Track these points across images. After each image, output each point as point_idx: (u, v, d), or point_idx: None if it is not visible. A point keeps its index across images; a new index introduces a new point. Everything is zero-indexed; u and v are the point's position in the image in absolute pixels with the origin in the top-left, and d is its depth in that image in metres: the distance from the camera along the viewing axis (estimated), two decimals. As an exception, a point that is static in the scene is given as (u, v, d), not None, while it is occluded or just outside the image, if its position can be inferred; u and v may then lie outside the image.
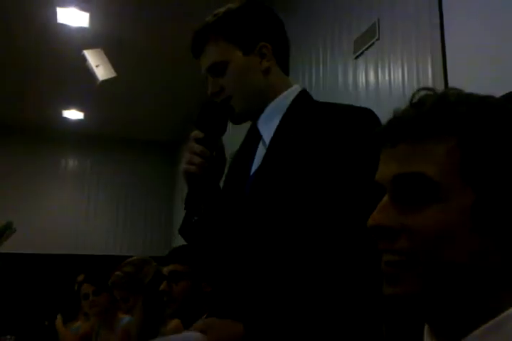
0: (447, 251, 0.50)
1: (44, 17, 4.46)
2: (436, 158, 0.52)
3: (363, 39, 2.95)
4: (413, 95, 0.57)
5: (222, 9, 1.12)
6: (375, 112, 1.03)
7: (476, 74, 2.07)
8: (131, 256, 2.44)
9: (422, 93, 0.56)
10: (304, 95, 1.12)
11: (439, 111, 0.53)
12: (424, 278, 0.51)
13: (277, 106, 1.09)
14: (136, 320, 2.22)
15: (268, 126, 1.08)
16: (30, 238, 6.12)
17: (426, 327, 0.56)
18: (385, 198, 0.55)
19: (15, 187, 6.76)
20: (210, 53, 1.10)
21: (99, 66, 4.53)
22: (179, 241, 1.25)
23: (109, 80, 4.61)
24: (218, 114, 1.08)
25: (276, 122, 1.07)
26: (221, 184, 1.15)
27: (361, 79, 2.97)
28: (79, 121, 6.82)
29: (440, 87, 0.57)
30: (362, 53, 2.96)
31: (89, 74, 4.60)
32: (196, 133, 1.06)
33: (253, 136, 1.13)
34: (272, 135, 1.06)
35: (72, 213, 7.07)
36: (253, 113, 1.11)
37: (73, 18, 4.49)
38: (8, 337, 3.60)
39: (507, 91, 1.81)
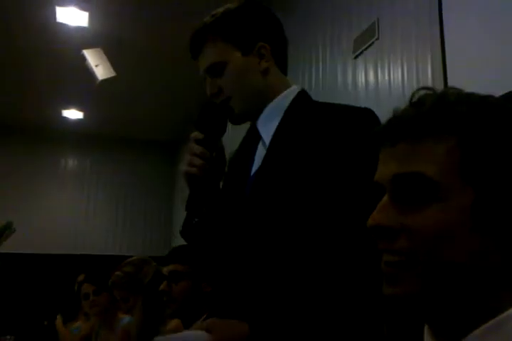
0: (447, 251, 0.50)
1: (43, 16, 4.45)
2: (436, 158, 0.52)
3: (362, 38, 2.95)
4: (413, 94, 0.57)
5: (220, 9, 1.12)
6: (375, 112, 1.02)
7: (475, 73, 2.07)
8: (131, 256, 2.44)
9: (422, 92, 0.56)
10: (303, 95, 1.12)
11: (439, 111, 0.53)
12: (424, 278, 0.51)
13: (277, 107, 1.09)
14: (136, 320, 2.22)
15: (268, 127, 1.08)
16: (30, 238, 6.11)
17: (426, 327, 0.56)
18: (385, 198, 0.55)
19: (14, 187, 6.76)
20: (208, 54, 1.10)
21: (98, 65, 4.52)
22: (179, 241, 1.25)
23: (108, 80, 4.62)
24: (218, 115, 1.08)
25: (275, 122, 1.07)
26: (220, 184, 1.15)
27: (361, 78, 2.96)
28: (78, 120, 6.82)
29: (440, 87, 0.57)
30: (361, 53, 2.96)
31: (89, 73, 4.60)
32: (196, 134, 1.06)
33: (252, 137, 1.13)
34: (271, 135, 1.06)
35: (71, 213, 7.07)
36: (252, 113, 1.11)
37: (72, 17, 4.48)
38: (8, 337, 3.59)
39: (506, 90, 1.81)
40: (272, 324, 0.91)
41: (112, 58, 4.57)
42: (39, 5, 4.33)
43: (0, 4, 4.32)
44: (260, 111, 1.10)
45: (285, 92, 1.11)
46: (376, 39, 2.82)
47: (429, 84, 2.34)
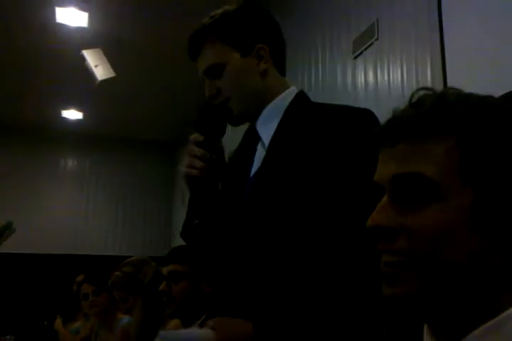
0: (446, 251, 0.50)
1: (43, 17, 4.45)
2: (435, 158, 0.51)
3: (361, 39, 2.95)
4: (412, 95, 0.57)
5: (218, 11, 1.12)
6: (374, 112, 1.03)
7: (475, 73, 2.07)
8: (131, 256, 2.44)
9: (421, 93, 0.56)
10: (301, 96, 1.12)
11: (439, 111, 0.53)
12: (424, 278, 0.51)
13: (275, 108, 1.09)
14: (135, 321, 2.22)
15: (267, 128, 1.08)
16: (30, 238, 6.11)
17: (426, 327, 0.56)
18: (384, 198, 0.55)
19: (14, 187, 6.76)
20: (207, 55, 1.10)
21: (98, 66, 4.52)
22: (179, 241, 1.25)
23: (108, 80, 4.61)
24: (217, 117, 1.08)
25: (275, 124, 1.07)
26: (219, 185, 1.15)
27: (360, 79, 2.97)
28: (78, 121, 6.81)
29: (439, 87, 0.57)
30: (361, 53, 2.96)
31: (88, 74, 4.60)
32: (196, 136, 1.06)
33: (251, 138, 1.13)
34: (271, 136, 1.06)
35: (71, 213, 7.06)
36: (251, 115, 1.11)
37: (72, 17, 4.48)
38: (8, 337, 3.59)
39: (506, 90, 1.81)
40: (274, 324, 0.91)
41: (112, 58, 4.57)
42: (39, 5, 4.33)
43: (0, 4, 4.32)
44: (259, 112, 1.10)
45: (284, 93, 1.11)
46: (375, 39, 2.82)
47: (429, 84, 2.34)
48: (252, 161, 1.09)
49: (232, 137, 1.43)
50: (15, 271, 6.34)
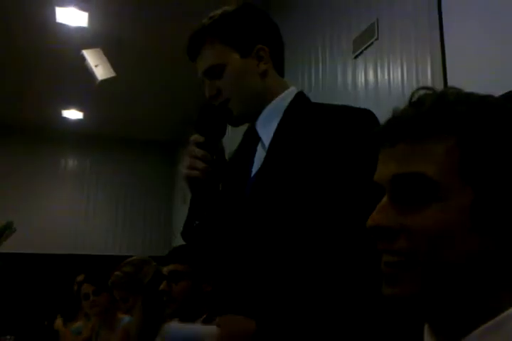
0: (446, 251, 0.50)
1: (43, 17, 4.45)
2: (435, 158, 0.51)
3: (361, 39, 2.95)
4: (412, 94, 0.56)
5: (218, 12, 1.12)
6: (374, 112, 1.02)
7: (475, 73, 2.07)
8: (131, 256, 2.44)
9: (422, 92, 0.56)
10: (301, 97, 1.12)
11: (439, 111, 0.53)
12: (424, 278, 0.51)
13: (275, 109, 1.09)
14: (135, 320, 2.22)
15: (267, 128, 1.08)
16: (30, 238, 6.11)
17: (426, 326, 0.56)
18: (384, 198, 0.55)
19: (14, 187, 6.76)
20: (206, 56, 1.10)
21: (98, 66, 4.52)
22: (179, 240, 1.26)
23: (108, 80, 4.61)
24: (217, 117, 1.08)
25: (274, 124, 1.07)
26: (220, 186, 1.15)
27: (360, 78, 2.97)
28: (78, 120, 6.81)
29: (439, 87, 0.57)
30: (361, 53, 2.96)
31: (89, 73, 4.59)
32: (196, 137, 1.06)
33: (251, 138, 1.13)
34: (271, 137, 1.06)
35: (71, 213, 7.06)
36: (251, 115, 1.11)
37: (72, 17, 4.48)
38: (8, 337, 3.59)
39: (506, 90, 1.81)
40: (276, 321, 0.91)
41: (112, 58, 4.57)
42: (39, 5, 4.33)
43: (0, 4, 4.32)
44: (259, 112, 1.10)
45: (283, 94, 1.11)
46: (376, 39, 2.82)
47: (429, 83, 2.34)
48: (252, 162, 1.09)
49: (232, 137, 1.44)
50: (15, 271, 6.34)
